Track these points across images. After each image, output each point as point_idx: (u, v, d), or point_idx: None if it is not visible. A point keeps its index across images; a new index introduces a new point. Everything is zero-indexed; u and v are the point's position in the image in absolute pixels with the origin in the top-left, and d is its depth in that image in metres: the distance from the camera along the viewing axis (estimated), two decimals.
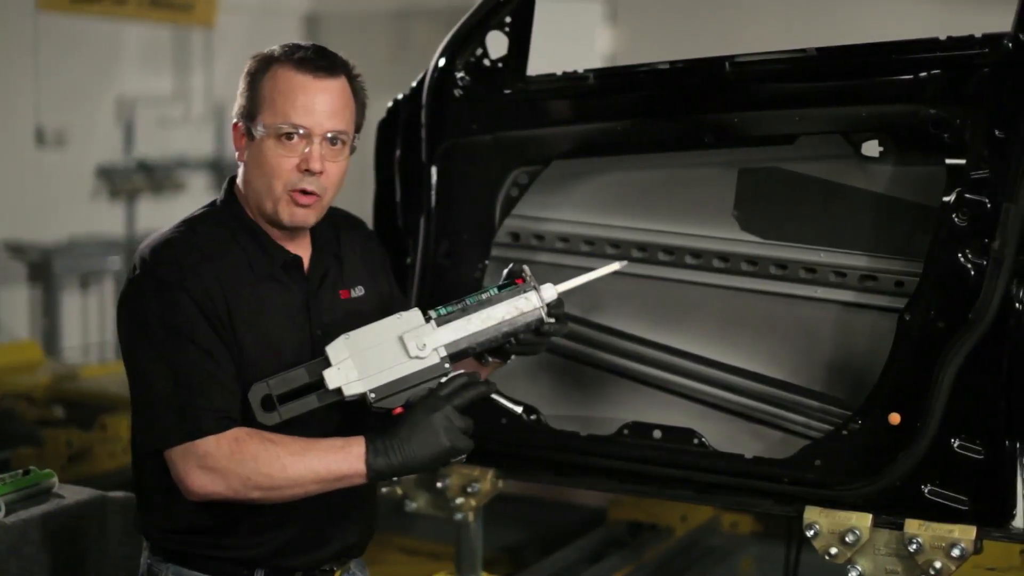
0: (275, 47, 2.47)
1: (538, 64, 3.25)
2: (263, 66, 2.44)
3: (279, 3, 10.42)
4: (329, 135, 2.41)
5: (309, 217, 2.46)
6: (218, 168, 9.82)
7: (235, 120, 2.47)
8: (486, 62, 3.24)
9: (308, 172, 2.40)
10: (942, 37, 2.65)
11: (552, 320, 2.46)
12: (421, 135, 3.27)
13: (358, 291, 2.60)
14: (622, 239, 3.15)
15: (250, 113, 2.43)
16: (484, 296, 2.43)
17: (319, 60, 2.43)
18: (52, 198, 8.81)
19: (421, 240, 3.27)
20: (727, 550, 4.64)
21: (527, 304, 2.42)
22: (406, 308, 2.45)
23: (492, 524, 3.60)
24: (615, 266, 2.59)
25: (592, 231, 3.22)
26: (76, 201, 9.10)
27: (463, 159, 3.27)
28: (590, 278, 2.56)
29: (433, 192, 3.26)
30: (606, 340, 3.19)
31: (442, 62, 3.24)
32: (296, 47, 2.45)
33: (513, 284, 2.45)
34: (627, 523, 4.57)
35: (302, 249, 2.53)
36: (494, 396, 2.44)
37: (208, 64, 9.83)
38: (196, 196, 9.35)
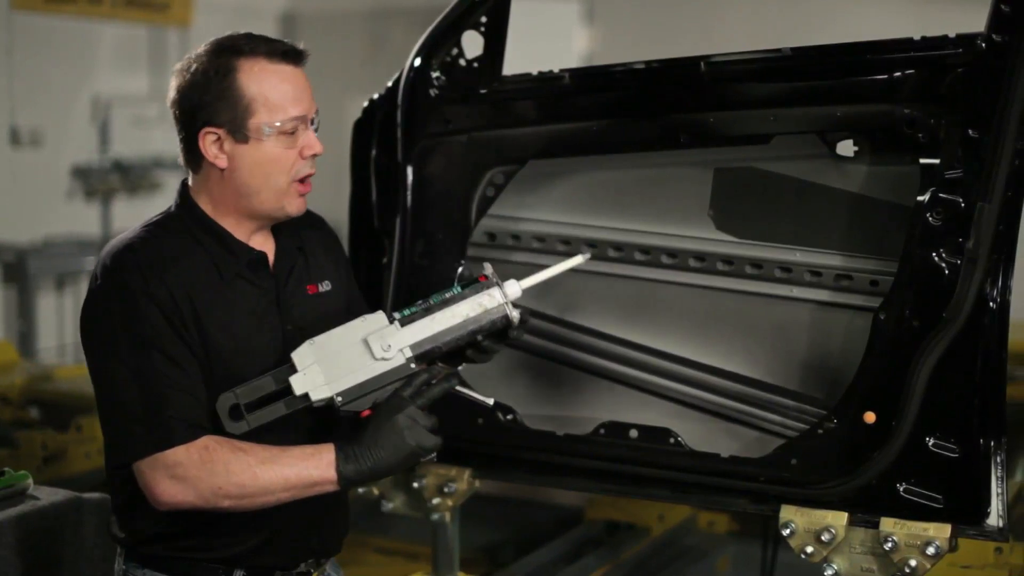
0: (222, 44, 2.40)
1: (514, 64, 3.25)
2: (230, 65, 2.37)
3: (255, 3, 10.38)
4: (313, 117, 2.44)
5: (306, 203, 2.49)
6: None
7: (205, 127, 2.38)
8: (462, 62, 3.24)
9: (313, 157, 2.44)
10: (916, 37, 2.66)
11: (516, 315, 2.43)
12: (397, 135, 3.26)
13: (325, 286, 2.59)
14: (598, 239, 3.15)
15: (238, 117, 2.37)
16: (448, 295, 2.41)
17: (284, 46, 2.42)
18: (27, 198, 8.75)
19: (397, 240, 3.26)
20: (704, 549, 4.66)
21: (491, 301, 2.41)
22: (365, 309, 2.44)
23: (469, 524, 3.60)
24: (579, 259, 2.58)
25: (568, 231, 3.21)
26: (51, 201, 9.04)
27: (439, 159, 3.27)
28: (553, 273, 2.55)
29: (409, 192, 3.25)
30: (582, 339, 3.19)
31: (418, 62, 3.23)
32: (250, 38, 2.41)
33: (476, 282, 2.43)
34: (604, 522, 4.59)
35: (266, 246, 2.51)
36: (460, 389, 2.42)
37: None
38: (172, 196, 9.24)
